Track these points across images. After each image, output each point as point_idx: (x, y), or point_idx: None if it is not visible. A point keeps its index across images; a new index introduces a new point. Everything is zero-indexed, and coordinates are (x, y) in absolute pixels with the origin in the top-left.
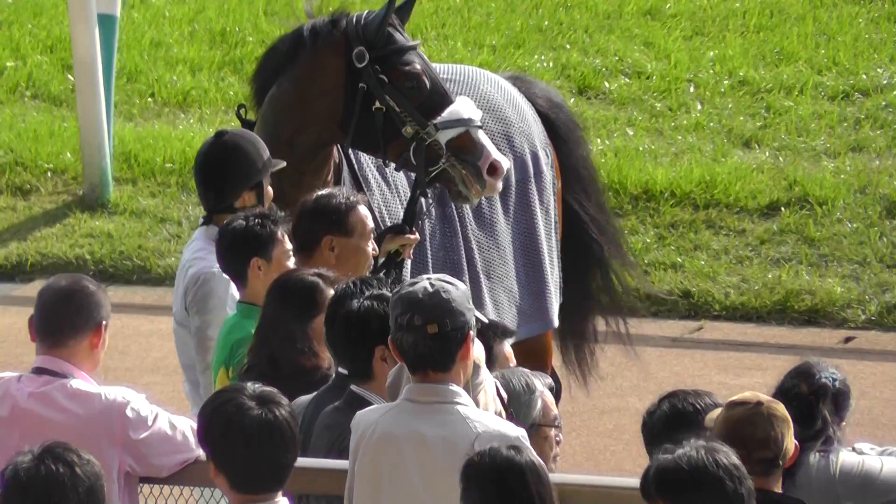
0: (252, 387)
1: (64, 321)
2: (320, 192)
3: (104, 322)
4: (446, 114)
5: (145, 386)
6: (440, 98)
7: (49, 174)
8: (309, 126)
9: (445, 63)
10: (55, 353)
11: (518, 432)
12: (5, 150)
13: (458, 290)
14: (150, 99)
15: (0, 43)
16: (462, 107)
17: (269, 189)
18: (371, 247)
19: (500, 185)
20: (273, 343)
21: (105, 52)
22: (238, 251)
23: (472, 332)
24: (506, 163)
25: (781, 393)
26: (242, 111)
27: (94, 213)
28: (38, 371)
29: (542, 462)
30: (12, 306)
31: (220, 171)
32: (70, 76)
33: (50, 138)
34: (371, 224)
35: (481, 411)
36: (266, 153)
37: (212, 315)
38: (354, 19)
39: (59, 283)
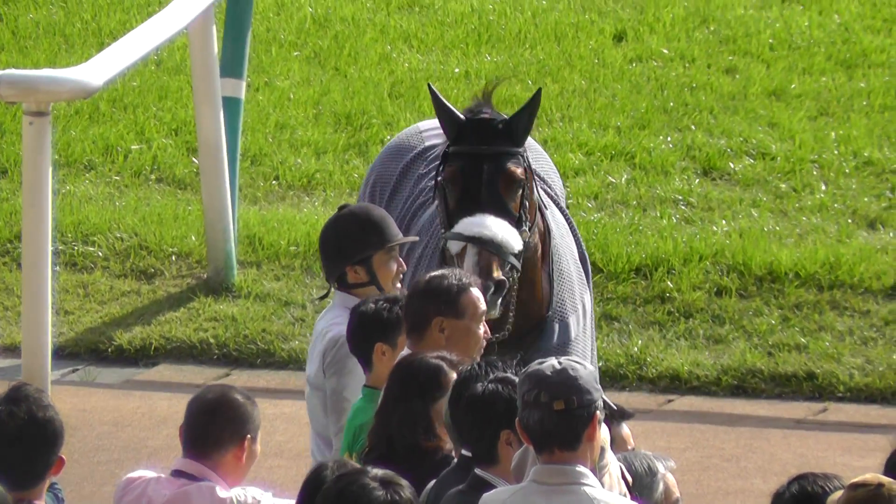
0: (374, 470)
1: (208, 434)
2: (433, 273)
3: (249, 435)
4: (459, 225)
5: (269, 470)
6: (465, 208)
7: (173, 257)
8: None
9: None
10: (198, 460)
11: None
12: (130, 234)
13: (585, 369)
14: (274, 182)
15: (125, 126)
16: (477, 222)
17: (391, 266)
18: (482, 329)
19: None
20: (392, 424)
21: (230, 135)
22: (364, 334)
23: (600, 413)
24: (476, 287)
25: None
26: None
27: (218, 297)
28: (177, 473)
29: None
30: (136, 390)
31: (322, 247)
32: (195, 159)
33: (174, 221)
34: (483, 307)
35: (607, 492)
36: (384, 230)
37: (349, 377)
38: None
39: (207, 395)
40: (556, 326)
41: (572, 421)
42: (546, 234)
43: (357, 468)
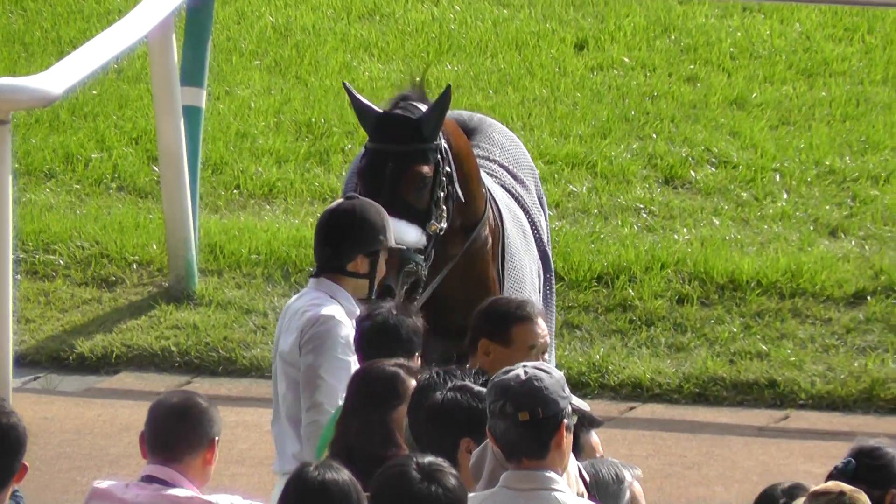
0: (425, 459)
1: (179, 439)
2: (501, 296)
3: (217, 438)
4: None
5: (231, 478)
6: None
7: (134, 266)
8: None
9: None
10: (168, 465)
11: None
12: (91, 243)
13: (551, 377)
14: (235, 190)
15: (85, 135)
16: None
17: (384, 266)
18: None
19: None
20: (351, 434)
21: (190, 144)
22: (379, 345)
23: (567, 420)
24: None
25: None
26: None
27: (179, 305)
28: (148, 479)
29: None
30: (98, 398)
31: (341, 229)
32: (155, 168)
33: (135, 230)
34: (537, 341)
35: (578, 498)
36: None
37: (326, 356)
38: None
39: (171, 399)
40: None
41: (538, 431)
42: (499, 231)
43: (405, 457)
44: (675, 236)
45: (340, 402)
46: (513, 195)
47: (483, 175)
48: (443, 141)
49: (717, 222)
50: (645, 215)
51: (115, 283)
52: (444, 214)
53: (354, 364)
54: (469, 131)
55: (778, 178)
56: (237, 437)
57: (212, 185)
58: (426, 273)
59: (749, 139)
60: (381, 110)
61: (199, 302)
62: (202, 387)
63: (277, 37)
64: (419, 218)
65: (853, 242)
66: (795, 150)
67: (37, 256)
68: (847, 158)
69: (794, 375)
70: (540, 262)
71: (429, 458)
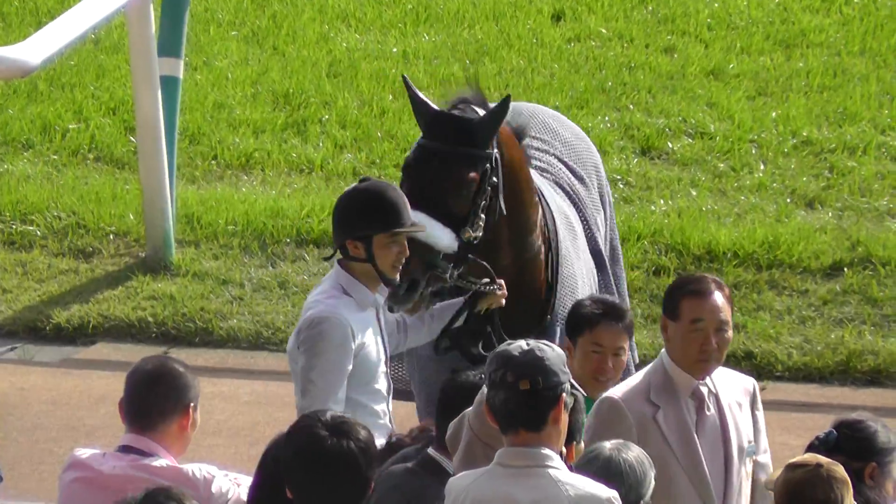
0: (327, 416)
1: (152, 405)
2: (686, 273)
3: (192, 403)
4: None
5: (208, 448)
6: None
7: (111, 236)
8: None
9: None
10: (144, 434)
11: (609, 494)
12: (67, 213)
13: (553, 351)
14: (212, 161)
15: (62, 105)
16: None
17: (391, 249)
18: (710, 341)
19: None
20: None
21: (168, 115)
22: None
23: (566, 396)
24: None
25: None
26: None
27: (156, 276)
28: (125, 449)
29: None
30: (74, 369)
31: (334, 212)
32: (133, 138)
33: (112, 200)
34: (714, 317)
35: (573, 474)
36: (392, 214)
37: (319, 359)
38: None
39: (146, 366)
40: (558, 330)
41: (538, 401)
42: (550, 238)
43: (311, 414)
44: (652, 207)
45: (332, 405)
46: (566, 191)
47: (534, 173)
48: (495, 150)
49: (694, 193)
50: (622, 186)
51: (92, 254)
52: (482, 224)
53: (350, 366)
54: (521, 127)
55: (755, 149)
56: (214, 409)
57: (189, 155)
58: (454, 279)
59: (726, 110)
60: (437, 108)
61: (176, 272)
62: (178, 357)
63: (255, 7)
64: (455, 222)
65: (830, 214)
66: (772, 121)
67: (14, 227)
68: (824, 129)
69: (771, 347)
70: (592, 261)
71: (331, 413)
